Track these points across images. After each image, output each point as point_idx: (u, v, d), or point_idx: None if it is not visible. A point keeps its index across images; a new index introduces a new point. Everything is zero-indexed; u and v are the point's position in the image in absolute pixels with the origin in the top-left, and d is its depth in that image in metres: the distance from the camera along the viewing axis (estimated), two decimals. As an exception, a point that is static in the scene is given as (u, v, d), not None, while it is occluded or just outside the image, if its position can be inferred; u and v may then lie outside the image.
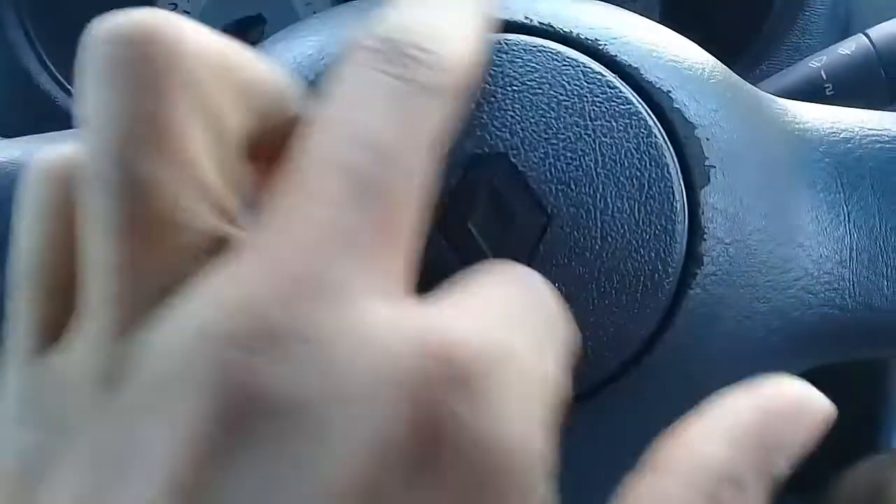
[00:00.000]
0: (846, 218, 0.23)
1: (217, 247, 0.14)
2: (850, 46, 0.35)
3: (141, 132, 0.14)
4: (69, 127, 0.40)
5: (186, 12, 0.49)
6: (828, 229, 0.23)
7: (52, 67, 0.40)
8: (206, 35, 0.15)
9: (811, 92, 0.34)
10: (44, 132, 0.40)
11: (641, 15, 0.24)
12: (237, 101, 0.16)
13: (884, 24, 0.35)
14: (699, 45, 0.24)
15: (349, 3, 0.25)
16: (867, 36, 0.35)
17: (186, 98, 0.14)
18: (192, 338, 0.13)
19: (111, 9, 0.46)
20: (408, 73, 0.16)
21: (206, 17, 0.49)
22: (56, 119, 0.40)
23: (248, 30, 0.49)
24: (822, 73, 0.35)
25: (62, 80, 0.40)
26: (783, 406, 0.17)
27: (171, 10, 0.49)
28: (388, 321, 0.14)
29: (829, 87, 0.34)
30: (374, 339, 0.13)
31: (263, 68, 0.17)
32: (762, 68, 0.44)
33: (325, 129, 0.15)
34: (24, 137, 0.24)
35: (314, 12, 0.51)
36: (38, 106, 0.40)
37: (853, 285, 0.23)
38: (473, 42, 0.18)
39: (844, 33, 0.45)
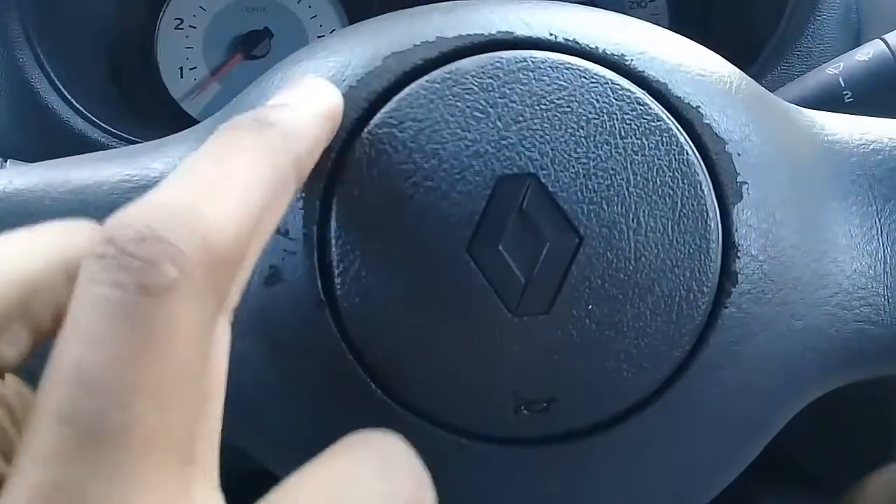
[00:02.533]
0: (879, 231, 0.23)
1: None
2: (867, 52, 0.35)
3: None
4: (78, 145, 0.39)
5: (193, 27, 0.49)
6: (861, 243, 0.22)
7: (60, 87, 0.40)
8: None
9: (829, 99, 0.34)
10: (53, 151, 0.40)
11: (651, 19, 0.24)
12: (11, 326, 0.15)
13: (901, 29, 0.35)
14: (712, 50, 0.24)
15: (367, 20, 0.25)
16: (885, 41, 0.34)
17: None
18: None
19: (117, 31, 0.46)
20: (130, 280, 0.13)
21: (212, 32, 0.49)
22: (65, 138, 0.40)
23: (256, 44, 0.49)
24: (840, 80, 0.34)
25: (71, 99, 0.40)
26: None
27: (177, 25, 0.49)
28: None
29: (847, 94, 0.34)
30: None
31: (40, 256, 0.15)
32: (774, 74, 0.44)
33: (51, 373, 0.14)
34: (41, 163, 0.24)
35: (320, 25, 0.50)
36: (47, 125, 0.39)
37: (888, 300, 0.22)
38: (244, 208, 0.15)
39: (856, 38, 0.45)
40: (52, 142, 0.40)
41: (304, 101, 0.19)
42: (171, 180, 0.15)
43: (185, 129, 0.26)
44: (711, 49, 0.23)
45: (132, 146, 0.24)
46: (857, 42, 0.44)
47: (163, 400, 0.13)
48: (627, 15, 0.23)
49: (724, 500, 0.26)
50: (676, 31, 0.23)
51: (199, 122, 0.48)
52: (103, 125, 0.40)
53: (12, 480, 0.13)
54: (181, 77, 0.49)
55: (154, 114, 0.48)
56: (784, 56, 0.44)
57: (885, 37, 0.35)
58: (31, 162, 0.26)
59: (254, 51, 0.49)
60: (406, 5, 0.54)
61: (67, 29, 0.43)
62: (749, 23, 0.48)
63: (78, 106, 0.40)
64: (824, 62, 0.36)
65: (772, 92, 0.36)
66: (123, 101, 0.47)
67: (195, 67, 0.49)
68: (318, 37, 0.50)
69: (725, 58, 0.25)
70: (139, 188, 0.22)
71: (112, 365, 0.13)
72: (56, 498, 0.13)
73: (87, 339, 0.13)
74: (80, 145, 0.40)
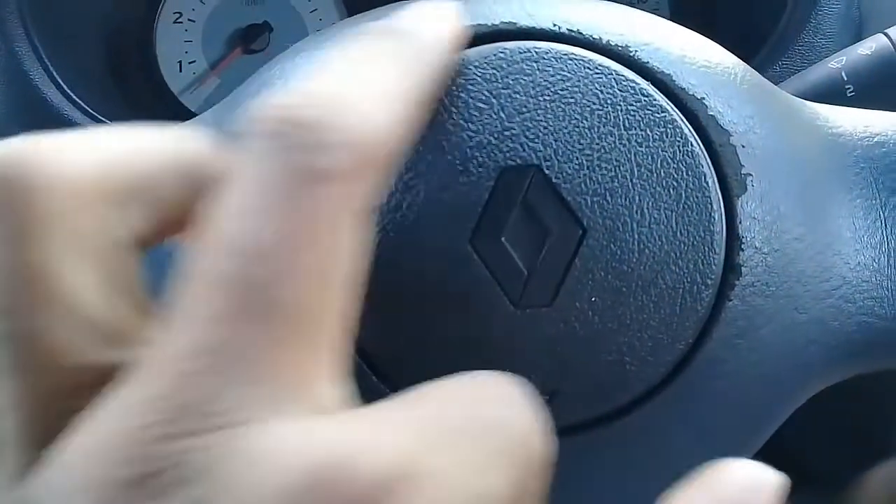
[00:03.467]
0: (883, 224, 0.23)
1: (114, 375, 0.14)
2: (869, 46, 0.35)
3: (16, 283, 0.14)
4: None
5: (192, 21, 0.49)
6: (865, 236, 0.22)
7: (59, 79, 0.39)
8: (75, 151, 0.15)
9: (832, 93, 0.34)
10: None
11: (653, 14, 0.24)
12: (129, 205, 0.15)
13: (904, 23, 0.34)
14: None
15: (368, 12, 0.25)
16: (887, 35, 0.34)
17: (56, 234, 0.14)
18: (73, 487, 0.13)
19: (116, 24, 0.45)
20: (300, 160, 0.14)
21: (211, 26, 0.49)
22: (63, 131, 0.39)
23: (255, 37, 0.49)
24: (843, 73, 0.34)
25: (69, 92, 0.39)
26: (735, 494, 0.16)
27: (176, 19, 0.49)
28: (280, 447, 0.13)
29: (849, 88, 0.34)
30: (263, 467, 0.13)
31: (158, 152, 0.16)
32: (775, 68, 0.44)
33: (211, 237, 0.14)
34: None
35: (320, 19, 0.50)
36: (45, 118, 0.39)
37: (892, 293, 0.22)
38: (394, 109, 0.16)
39: (858, 32, 0.45)
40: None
41: (430, 20, 0.19)
42: (321, 76, 0.16)
43: (184, 122, 0.25)
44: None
45: None
46: (858, 37, 0.44)
47: (322, 281, 0.14)
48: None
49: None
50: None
51: (198, 115, 0.48)
52: (102, 118, 0.40)
53: (154, 348, 0.13)
54: (180, 71, 0.49)
55: (153, 107, 0.48)
56: (785, 50, 0.44)
57: (887, 31, 0.35)
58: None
59: (253, 45, 0.49)
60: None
61: (66, 22, 0.43)
62: (750, 17, 0.48)
63: (76, 99, 0.40)
64: (826, 56, 0.36)
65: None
66: (122, 95, 0.47)
67: (194, 61, 0.49)
68: (318, 31, 0.50)
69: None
70: None
71: (280, 240, 0.14)
72: (221, 361, 0.13)
73: (254, 213, 0.14)
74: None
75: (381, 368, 0.20)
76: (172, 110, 0.48)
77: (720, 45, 0.24)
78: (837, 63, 0.35)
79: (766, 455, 0.25)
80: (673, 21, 0.24)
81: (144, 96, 0.48)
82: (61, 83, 0.40)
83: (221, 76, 0.49)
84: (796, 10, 0.44)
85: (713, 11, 0.50)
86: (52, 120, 0.39)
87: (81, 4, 0.45)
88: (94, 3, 0.46)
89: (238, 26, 0.49)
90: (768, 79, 0.44)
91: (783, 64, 0.44)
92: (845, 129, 0.24)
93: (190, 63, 0.49)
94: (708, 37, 0.24)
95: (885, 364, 0.24)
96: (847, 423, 0.45)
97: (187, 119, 0.47)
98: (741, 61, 0.24)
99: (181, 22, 0.49)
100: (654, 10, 0.50)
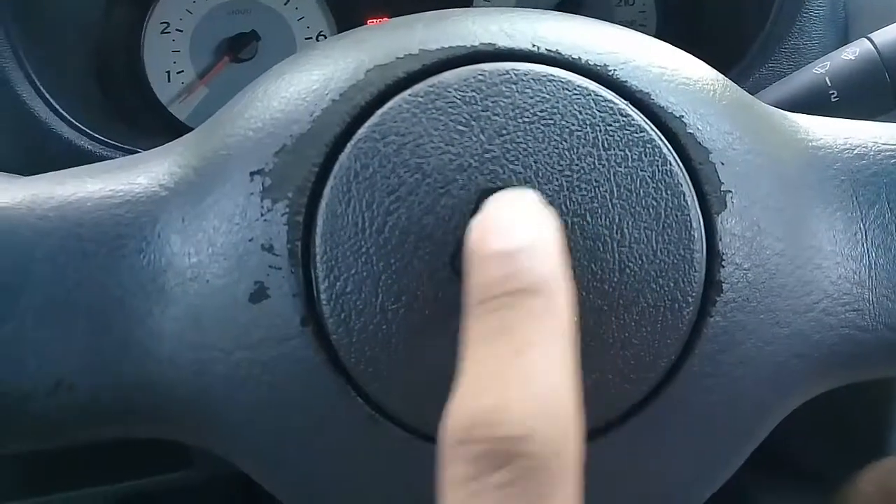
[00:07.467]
0: (863, 236, 0.23)
1: None
2: (853, 51, 0.35)
3: None
4: (65, 153, 0.39)
5: (179, 30, 0.48)
6: (845, 249, 0.23)
7: (46, 94, 0.39)
8: None
9: (816, 99, 0.34)
10: (40, 159, 0.40)
11: (639, 17, 0.24)
12: None
13: (887, 28, 0.35)
14: (699, 47, 0.23)
15: (351, 31, 0.25)
16: (870, 40, 0.35)
17: None
18: None
19: (103, 36, 0.45)
20: (509, 477, 0.16)
21: (198, 36, 0.49)
22: (52, 146, 0.40)
23: (243, 46, 0.49)
24: (827, 79, 0.34)
25: (57, 106, 0.39)
26: None
27: (164, 29, 0.49)
28: None
29: (833, 93, 0.34)
30: None
31: None
32: (762, 71, 0.44)
33: None
34: (24, 178, 0.24)
35: (307, 27, 0.50)
36: (33, 134, 0.39)
37: (873, 305, 0.23)
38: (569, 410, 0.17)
39: (844, 34, 0.45)
40: (39, 150, 0.40)
41: (540, 244, 0.18)
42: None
43: (173, 132, 0.25)
44: (699, 46, 0.23)
45: (115, 160, 0.24)
46: (844, 38, 0.44)
47: None
48: (614, 12, 0.23)
49: (719, 493, 0.26)
50: (664, 29, 0.23)
51: (187, 125, 0.48)
52: (90, 132, 0.40)
53: None
54: (168, 81, 0.49)
55: (142, 118, 0.48)
56: (772, 53, 0.44)
57: (870, 35, 0.35)
58: (18, 172, 0.26)
59: (241, 53, 0.49)
60: (391, 6, 0.53)
61: (53, 36, 0.43)
62: (737, 20, 0.48)
63: (64, 113, 0.40)
64: (812, 59, 0.36)
65: (759, 90, 0.36)
66: (111, 107, 0.46)
67: (182, 71, 0.49)
68: (306, 38, 0.50)
69: (713, 55, 0.25)
70: (123, 203, 0.22)
71: None
72: None
73: None
74: (67, 153, 0.39)
75: (365, 391, 0.20)
76: (161, 120, 0.48)
77: (707, 48, 0.24)
78: (821, 69, 0.35)
79: (758, 455, 0.25)
80: (660, 25, 0.24)
81: (133, 107, 0.48)
82: (48, 97, 0.39)
83: (210, 85, 0.49)
84: (782, 12, 0.44)
85: (700, 14, 0.50)
86: (40, 135, 0.39)
87: (68, 16, 0.45)
88: (81, 14, 0.46)
89: (226, 35, 0.49)
90: (755, 82, 0.44)
91: (769, 66, 0.44)
92: (825, 142, 0.24)
93: (178, 73, 0.49)
94: (695, 40, 0.24)
95: (866, 375, 0.24)
96: (840, 422, 0.45)
97: (176, 129, 0.47)
98: (721, 76, 0.24)
99: (169, 32, 0.49)
100: (641, 14, 0.50)
